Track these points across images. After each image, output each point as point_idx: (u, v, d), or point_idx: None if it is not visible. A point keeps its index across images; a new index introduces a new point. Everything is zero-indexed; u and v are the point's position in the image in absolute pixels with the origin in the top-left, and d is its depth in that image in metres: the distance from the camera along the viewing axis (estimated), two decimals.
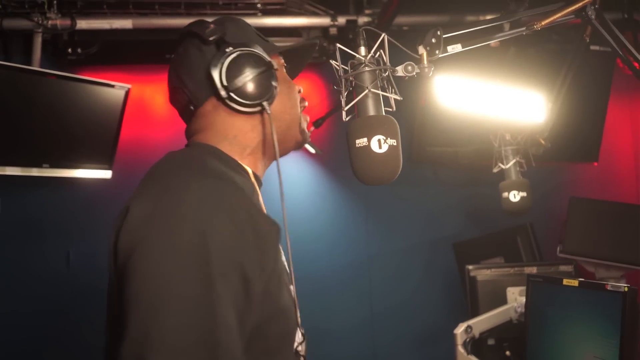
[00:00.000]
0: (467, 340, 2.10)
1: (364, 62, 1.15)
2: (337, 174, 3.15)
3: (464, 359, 2.09)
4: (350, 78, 1.16)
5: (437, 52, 1.21)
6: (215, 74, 1.09)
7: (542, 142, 2.24)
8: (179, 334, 0.83)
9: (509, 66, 2.58)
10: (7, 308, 2.85)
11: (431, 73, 1.20)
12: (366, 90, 1.14)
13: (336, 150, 3.07)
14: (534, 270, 2.28)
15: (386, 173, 1.11)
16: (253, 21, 2.94)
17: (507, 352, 2.20)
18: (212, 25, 1.14)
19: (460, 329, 2.10)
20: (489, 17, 2.82)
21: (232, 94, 1.09)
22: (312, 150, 3.04)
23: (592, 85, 3.03)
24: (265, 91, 1.11)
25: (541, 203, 2.87)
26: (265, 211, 1.12)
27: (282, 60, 1.22)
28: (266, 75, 1.11)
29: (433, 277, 3.13)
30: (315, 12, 2.95)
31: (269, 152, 1.17)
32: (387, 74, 1.17)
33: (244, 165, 1.13)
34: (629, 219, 2.31)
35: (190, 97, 1.13)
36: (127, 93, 2.79)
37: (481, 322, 2.14)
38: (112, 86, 2.78)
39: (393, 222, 3.19)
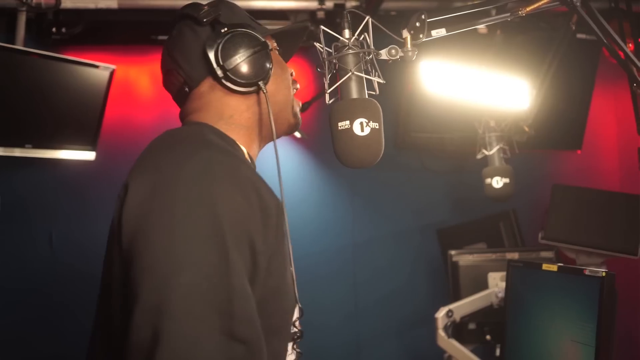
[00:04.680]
0: (448, 324, 2.12)
1: (348, 45, 1.14)
2: (323, 159, 3.12)
3: (445, 342, 2.12)
4: (334, 61, 1.16)
5: (421, 36, 1.20)
6: (211, 54, 1.09)
7: (527, 129, 2.25)
8: (195, 302, 0.83)
9: (496, 53, 2.58)
10: None
11: (415, 57, 1.19)
12: (349, 73, 1.13)
13: (322, 135, 3.04)
14: (515, 256, 2.30)
15: (368, 156, 1.10)
16: (241, 3, 2.91)
17: (488, 337, 2.22)
18: (206, 7, 1.14)
19: (441, 313, 2.13)
20: (476, 1, 2.81)
21: (228, 73, 1.09)
22: (298, 135, 2.99)
23: (577, 73, 3.04)
24: (261, 71, 1.11)
25: (525, 190, 2.88)
26: None
27: (275, 43, 1.22)
28: (261, 55, 1.11)
29: (418, 263, 3.12)
30: None
31: (263, 132, 1.18)
32: (370, 57, 1.16)
33: (239, 144, 1.13)
34: (610, 207, 2.33)
35: (185, 78, 1.13)
36: (111, 74, 2.74)
37: (462, 307, 2.16)
38: (97, 67, 2.72)
39: (379, 208, 3.17)
